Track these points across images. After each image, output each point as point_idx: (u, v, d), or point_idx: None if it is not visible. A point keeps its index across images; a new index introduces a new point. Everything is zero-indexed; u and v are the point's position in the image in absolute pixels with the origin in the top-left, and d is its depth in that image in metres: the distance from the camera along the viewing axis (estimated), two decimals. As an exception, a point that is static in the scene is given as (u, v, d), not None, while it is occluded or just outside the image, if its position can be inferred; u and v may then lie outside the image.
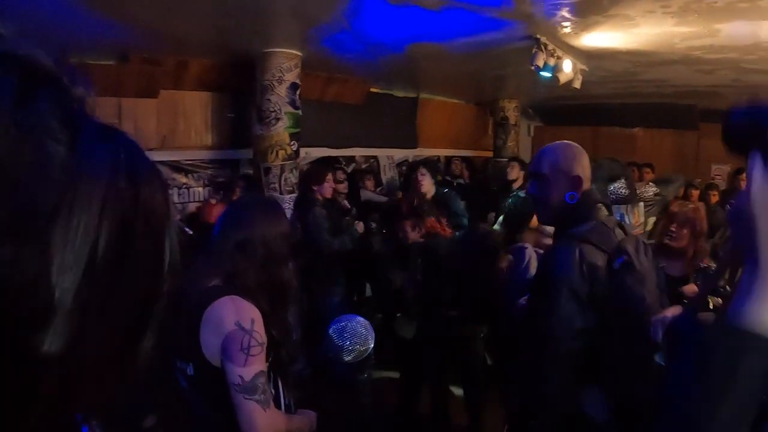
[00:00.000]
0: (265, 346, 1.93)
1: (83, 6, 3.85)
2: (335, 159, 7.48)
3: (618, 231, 2.27)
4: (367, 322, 2.20)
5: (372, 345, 2.15)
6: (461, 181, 8.54)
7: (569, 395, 2.17)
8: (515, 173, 7.50)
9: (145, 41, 5.18)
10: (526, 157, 9.87)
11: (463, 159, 9.19)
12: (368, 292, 6.84)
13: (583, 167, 2.29)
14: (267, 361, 2.00)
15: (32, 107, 0.40)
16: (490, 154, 9.68)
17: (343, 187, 6.46)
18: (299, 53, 5.72)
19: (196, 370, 1.96)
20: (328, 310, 5.65)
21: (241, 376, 1.85)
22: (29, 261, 0.38)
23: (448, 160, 9.19)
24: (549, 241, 3.80)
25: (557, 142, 2.44)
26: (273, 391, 2.11)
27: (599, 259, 2.10)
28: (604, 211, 2.34)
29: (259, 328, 1.92)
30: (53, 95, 0.43)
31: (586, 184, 2.29)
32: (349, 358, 2.14)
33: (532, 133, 10.74)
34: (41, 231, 0.38)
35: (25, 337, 0.38)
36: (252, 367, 1.87)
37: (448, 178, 8.54)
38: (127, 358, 0.48)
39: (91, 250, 0.40)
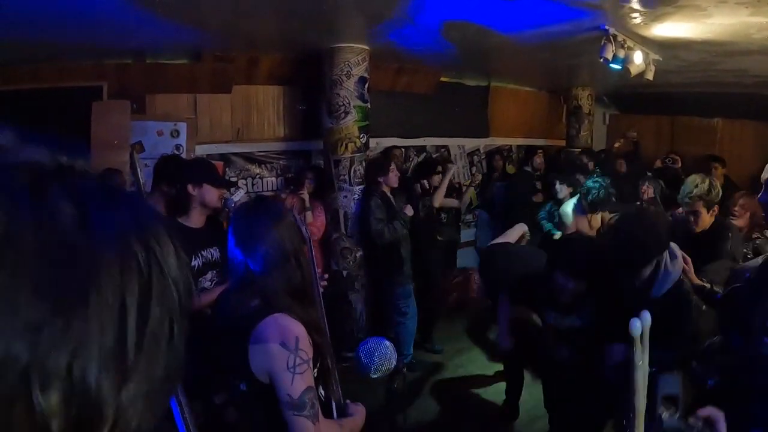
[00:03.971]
0: (311, 361, 2.00)
1: (157, 15, 4.04)
2: (398, 148, 7.52)
3: None
4: (391, 345, 2.28)
5: (394, 364, 2.24)
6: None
7: None
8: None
9: (217, 41, 5.38)
10: (600, 145, 9.65)
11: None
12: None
13: None
14: (315, 368, 2.06)
15: (45, 202, 0.46)
16: (563, 143, 9.49)
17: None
18: (366, 47, 5.78)
19: (248, 387, 2.05)
20: (390, 299, 5.79)
21: (289, 395, 1.92)
22: (76, 331, 0.43)
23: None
24: None
25: None
26: (323, 393, 2.18)
27: None
28: None
29: (304, 345, 1.97)
30: (60, 186, 0.48)
31: None
32: (376, 375, 2.25)
33: (607, 122, 10.43)
34: (79, 308, 0.43)
35: (87, 386, 0.44)
36: (299, 384, 1.93)
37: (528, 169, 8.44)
38: (163, 383, 0.52)
39: (120, 313, 0.46)
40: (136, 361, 0.47)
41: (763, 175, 2.45)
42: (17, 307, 0.41)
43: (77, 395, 0.43)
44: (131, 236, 0.49)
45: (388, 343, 2.27)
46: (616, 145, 8.10)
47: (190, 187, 3.40)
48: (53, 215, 0.45)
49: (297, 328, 1.98)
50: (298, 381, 1.93)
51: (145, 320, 0.48)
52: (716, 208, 3.79)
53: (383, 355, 2.22)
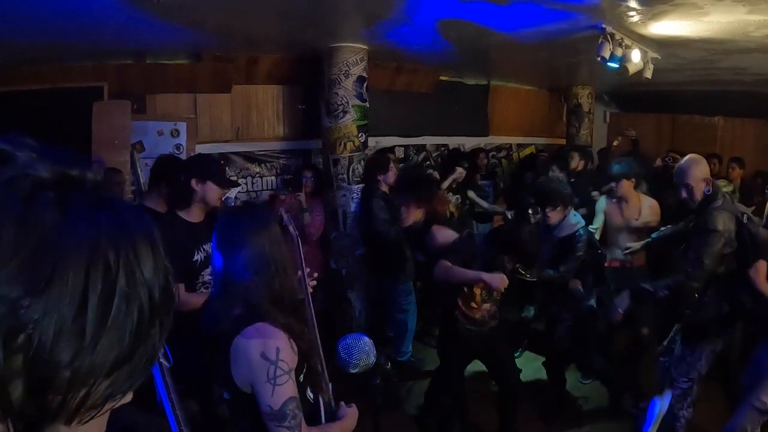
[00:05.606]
0: (293, 371, 1.98)
1: (156, 16, 4.07)
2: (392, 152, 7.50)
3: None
4: (370, 341, 2.30)
5: (373, 360, 2.26)
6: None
7: None
8: (575, 162, 7.39)
9: (216, 41, 5.41)
10: (601, 144, 9.64)
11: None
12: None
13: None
14: (300, 374, 2.06)
15: (32, 209, 0.56)
16: (563, 141, 9.49)
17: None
18: (365, 47, 5.80)
19: (231, 396, 2.05)
20: (392, 296, 5.80)
21: (270, 406, 1.92)
22: (39, 307, 0.53)
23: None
24: None
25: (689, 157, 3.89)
26: (312, 396, 2.18)
27: None
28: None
29: (285, 355, 1.96)
30: (52, 196, 0.58)
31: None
32: (354, 370, 2.27)
33: (607, 120, 10.42)
34: (44, 290, 0.53)
35: (43, 349, 0.54)
36: (280, 396, 1.92)
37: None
38: (126, 363, 0.60)
39: (81, 299, 0.55)
40: (95, 339, 0.56)
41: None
42: None
43: (35, 357, 0.53)
44: (103, 242, 0.58)
45: (366, 339, 2.29)
46: (615, 143, 8.08)
47: (193, 182, 3.40)
48: (35, 220, 0.55)
49: (278, 338, 1.96)
50: (279, 392, 1.92)
51: (108, 308, 0.57)
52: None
53: (361, 351, 2.25)
